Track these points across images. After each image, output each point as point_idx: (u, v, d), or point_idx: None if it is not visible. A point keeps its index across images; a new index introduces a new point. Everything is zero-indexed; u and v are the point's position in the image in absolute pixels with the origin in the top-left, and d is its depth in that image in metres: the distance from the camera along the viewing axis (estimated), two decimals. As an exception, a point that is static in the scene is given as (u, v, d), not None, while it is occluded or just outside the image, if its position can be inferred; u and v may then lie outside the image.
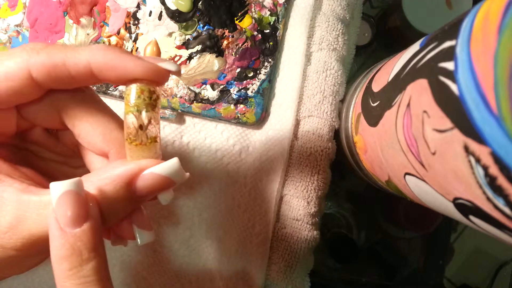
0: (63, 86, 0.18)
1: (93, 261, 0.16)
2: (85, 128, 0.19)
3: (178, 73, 0.19)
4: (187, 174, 0.19)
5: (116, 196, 0.17)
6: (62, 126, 0.20)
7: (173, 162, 0.18)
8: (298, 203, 0.31)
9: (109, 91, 0.32)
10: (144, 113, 0.18)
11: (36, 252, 0.17)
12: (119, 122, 0.20)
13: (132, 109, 0.18)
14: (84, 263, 0.16)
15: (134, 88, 0.18)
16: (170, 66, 0.18)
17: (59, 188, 0.16)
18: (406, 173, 0.21)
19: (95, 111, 0.19)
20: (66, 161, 0.22)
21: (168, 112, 0.32)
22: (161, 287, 0.32)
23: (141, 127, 0.18)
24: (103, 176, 0.17)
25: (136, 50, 0.32)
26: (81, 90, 0.20)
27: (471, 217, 0.17)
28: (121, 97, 0.32)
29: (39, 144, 0.21)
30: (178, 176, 0.18)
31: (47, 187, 0.17)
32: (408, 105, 0.19)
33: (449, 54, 0.15)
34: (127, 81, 0.18)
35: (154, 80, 0.18)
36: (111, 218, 0.17)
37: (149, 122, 0.18)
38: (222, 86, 0.32)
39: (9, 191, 0.17)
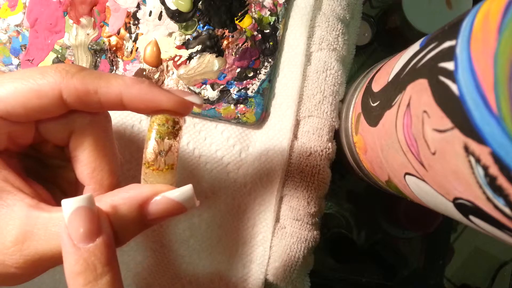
0: (88, 110, 0.19)
1: (108, 275, 0.16)
2: (82, 159, 0.20)
3: (201, 106, 0.20)
4: (198, 202, 0.19)
5: (128, 217, 0.17)
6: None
7: (188, 188, 0.18)
8: (298, 203, 0.31)
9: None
10: (166, 141, 0.19)
11: (35, 271, 0.17)
12: (110, 166, 0.21)
13: (155, 136, 0.19)
14: (98, 277, 0.16)
15: (160, 117, 0.19)
16: (196, 100, 0.20)
17: (71, 204, 0.16)
18: (406, 173, 0.21)
19: (98, 147, 0.20)
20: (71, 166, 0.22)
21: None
22: (161, 287, 0.32)
23: (160, 153, 0.19)
24: (116, 196, 0.18)
25: (136, 50, 0.32)
26: (99, 120, 0.20)
27: (471, 217, 0.17)
28: None
29: (49, 154, 0.21)
30: (190, 203, 0.18)
31: (55, 205, 0.18)
32: (408, 105, 0.19)
33: (449, 54, 0.15)
34: (153, 112, 0.19)
35: (179, 111, 0.19)
36: (120, 238, 0.18)
37: (169, 149, 0.19)
38: (222, 86, 0.32)
39: (19, 205, 0.17)
